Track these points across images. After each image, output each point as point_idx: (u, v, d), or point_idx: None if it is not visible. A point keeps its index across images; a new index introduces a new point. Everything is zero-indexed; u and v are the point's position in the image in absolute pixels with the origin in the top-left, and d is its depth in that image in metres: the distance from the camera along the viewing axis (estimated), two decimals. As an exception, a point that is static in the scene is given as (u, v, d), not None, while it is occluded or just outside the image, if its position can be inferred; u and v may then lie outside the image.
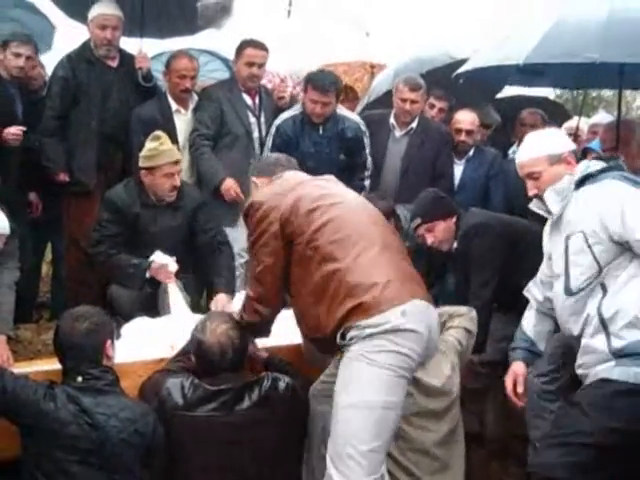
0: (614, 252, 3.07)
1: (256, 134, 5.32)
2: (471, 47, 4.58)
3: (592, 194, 3.17)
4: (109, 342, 3.09)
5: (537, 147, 3.35)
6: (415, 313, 2.85)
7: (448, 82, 5.25)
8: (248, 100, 5.37)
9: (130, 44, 5.66)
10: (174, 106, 5.30)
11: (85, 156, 5.23)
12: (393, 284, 2.86)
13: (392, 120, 5.47)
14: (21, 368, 3.37)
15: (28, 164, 5.14)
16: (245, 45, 5.33)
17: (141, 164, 4.49)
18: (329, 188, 3.19)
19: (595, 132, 5.85)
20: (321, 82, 5.05)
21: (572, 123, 6.29)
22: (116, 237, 4.51)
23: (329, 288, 2.88)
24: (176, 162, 4.51)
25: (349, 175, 5.15)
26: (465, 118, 5.44)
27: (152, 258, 4.30)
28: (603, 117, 6.51)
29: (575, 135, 5.79)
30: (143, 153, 4.49)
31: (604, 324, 3.06)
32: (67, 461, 2.87)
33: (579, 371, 3.19)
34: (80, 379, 2.97)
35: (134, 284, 4.45)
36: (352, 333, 2.81)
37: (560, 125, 5.87)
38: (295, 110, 5.22)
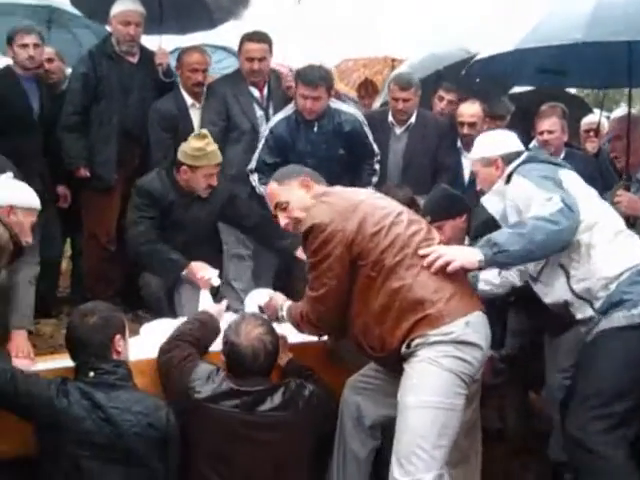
0: None
1: (264, 127, 5.25)
2: (488, 42, 4.52)
3: (509, 191, 3.46)
4: (118, 337, 3.10)
5: (474, 149, 3.75)
6: (477, 324, 3.00)
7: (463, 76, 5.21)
8: (255, 92, 5.32)
9: (149, 41, 5.70)
10: (189, 100, 5.30)
11: (106, 152, 5.24)
12: (456, 297, 2.99)
13: (390, 118, 5.46)
14: (42, 363, 3.40)
15: (53, 158, 5.17)
16: (244, 39, 5.28)
17: (184, 160, 4.55)
18: (384, 206, 3.22)
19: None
20: (310, 77, 4.94)
21: (593, 118, 6.22)
22: (153, 220, 4.58)
23: (394, 305, 2.99)
24: (218, 164, 4.62)
25: (356, 165, 5.14)
26: (466, 110, 5.41)
27: (201, 304, 4.20)
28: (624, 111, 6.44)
29: (596, 130, 5.75)
30: (187, 150, 4.54)
31: (582, 298, 3.30)
32: (82, 456, 2.89)
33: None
34: (92, 374, 3.00)
35: (167, 278, 4.54)
36: (418, 341, 2.94)
37: (580, 119, 5.78)
38: (288, 110, 5.10)
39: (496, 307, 3.75)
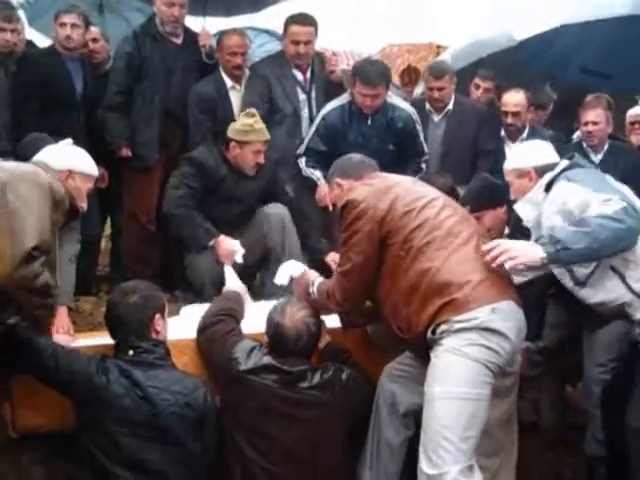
0: None
1: (306, 111, 5.26)
2: (535, 28, 4.46)
3: (553, 196, 3.42)
4: (158, 316, 3.14)
5: (508, 160, 3.75)
6: (505, 312, 2.94)
7: (506, 63, 5.17)
8: (299, 75, 5.30)
9: (193, 22, 5.71)
10: (229, 83, 5.29)
11: (148, 132, 5.25)
12: (485, 283, 2.95)
13: (428, 106, 5.44)
14: (81, 340, 3.44)
15: (94, 138, 5.18)
16: (290, 22, 5.25)
17: (233, 136, 4.64)
18: (420, 190, 3.27)
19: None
20: (369, 75, 4.89)
21: (639, 110, 6.10)
22: (194, 190, 4.63)
23: (421, 287, 2.98)
24: (265, 142, 4.68)
25: (403, 161, 5.10)
26: (510, 99, 5.34)
27: (227, 280, 4.28)
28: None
29: (640, 122, 5.65)
30: (237, 127, 4.64)
31: None
32: (120, 433, 2.93)
33: None
34: (131, 352, 3.04)
35: (194, 244, 4.57)
36: (443, 327, 2.91)
37: (625, 111, 5.69)
38: (343, 99, 5.07)
39: (535, 299, 3.72)
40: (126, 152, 5.24)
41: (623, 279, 3.27)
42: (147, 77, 5.23)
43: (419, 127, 5.17)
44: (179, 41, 5.35)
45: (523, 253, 2.98)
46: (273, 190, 4.91)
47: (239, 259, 4.42)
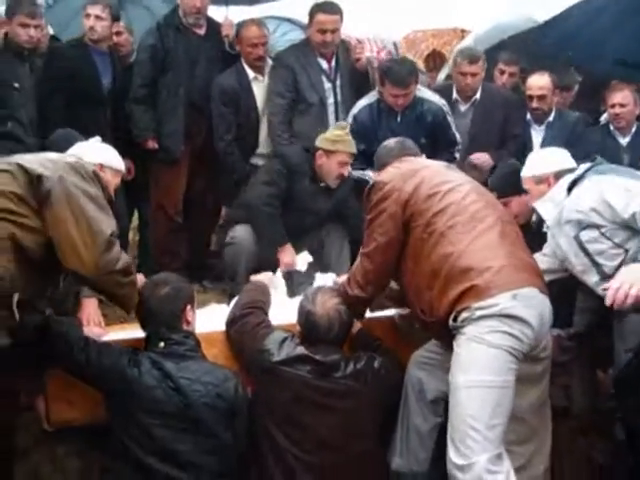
0: (625, 233, 3.26)
1: (331, 100, 5.27)
2: (556, 9, 4.38)
3: (581, 192, 3.42)
4: (188, 307, 3.16)
5: (526, 166, 3.77)
6: (527, 298, 2.91)
7: (530, 46, 5.11)
8: (324, 64, 5.30)
9: (216, 11, 5.71)
10: (251, 74, 5.30)
11: (173, 124, 5.27)
12: (507, 269, 2.92)
13: (455, 95, 5.38)
14: (113, 333, 3.46)
15: (120, 130, 5.21)
16: (316, 10, 5.25)
17: (321, 145, 4.70)
18: (448, 174, 3.27)
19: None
20: (400, 76, 4.89)
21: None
22: (281, 190, 4.71)
23: (442, 271, 2.96)
24: (352, 154, 4.73)
25: (437, 153, 5.06)
26: (535, 83, 5.29)
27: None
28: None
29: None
30: (326, 136, 4.70)
31: None
32: (152, 425, 2.94)
33: None
34: (162, 344, 3.06)
35: (268, 243, 4.68)
36: (464, 315, 2.89)
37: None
38: (372, 97, 5.09)
39: (564, 285, 3.70)
40: (152, 144, 5.27)
41: None
42: (171, 69, 5.25)
43: (450, 118, 5.15)
44: (202, 32, 5.36)
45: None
46: (345, 211, 4.95)
47: (303, 268, 4.54)
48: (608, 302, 2.91)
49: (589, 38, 4.15)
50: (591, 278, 3.42)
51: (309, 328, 3.25)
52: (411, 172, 3.19)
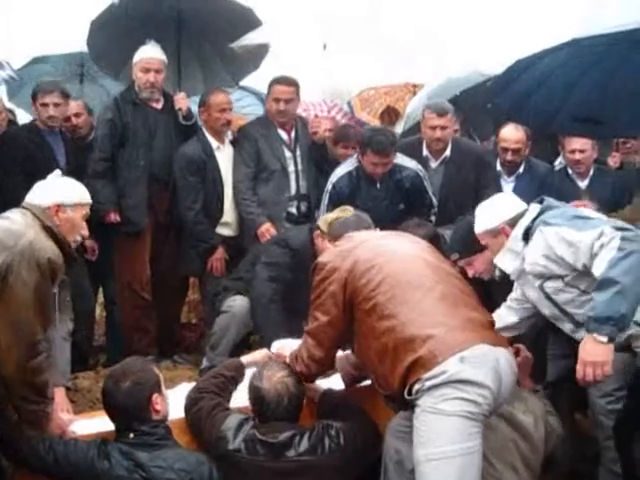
0: (589, 278, 3.13)
1: (292, 168, 5.38)
2: (502, 63, 4.43)
3: (534, 245, 3.33)
4: (155, 396, 3.07)
5: (476, 225, 3.63)
6: (476, 357, 2.84)
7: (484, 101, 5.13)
8: (284, 135, 5.45)
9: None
10: (214, 143, 5.36)
11: (136, 196, 5.28)
12: (450, 333, 2.86)
13: (425, 152, 5.37)
14: (82, 421, 3.37)
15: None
16: (273, 82, 5.45)
17: (320, 224, 4.40)
18: (385, 245, 3.24)
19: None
20: (383, 146, 4.92)
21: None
22: (287, 285, 4.57)
23: (389, 345, 2.92)
24: None
25: (413, 216, 5.03)
26: (511, 136, 5.21)
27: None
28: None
29: (617, 143, 5.63)
30: (327, 216, 4.42)
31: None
32: (124, 517, 2.86)
33: None
34: (132, 435, 2.98)
35: (258, 332, 4.67)
36: (416, 387, 2.85)
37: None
38: (350, 165, 5.12)
39: (532, 340, 3.74)
40: (114, 217, 5.23)
41: None
42: (130, 142, 5.27)
43: (427, 183, 5.16)
44: (160, 106, 5.42)
45: (600, 361, 2.91)
46: None
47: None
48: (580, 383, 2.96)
49: (543, 98, 4.20)
50: (565, 326, 3.39)
51: (258, 404, 3.18)
52: (349, 249, 3.19)
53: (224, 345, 4.64)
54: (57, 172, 3.57)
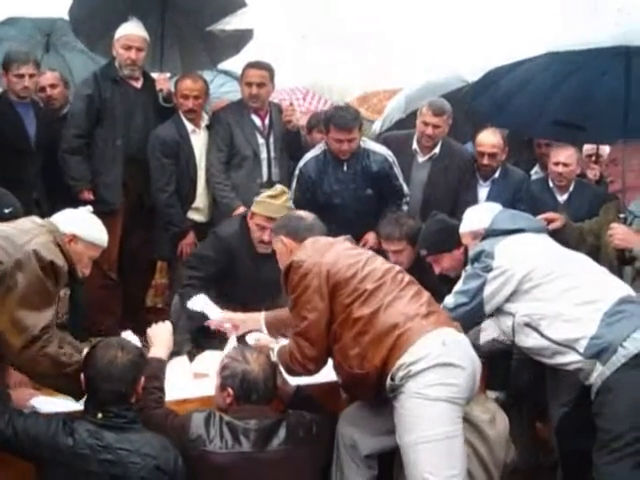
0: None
1: (264, 155, 5.32)
2: (482, 69, 4.45)
3: None
4: (143, 380, 3.04)
5: (462, 224, 4.00)
6: (454, 343, 3.06)
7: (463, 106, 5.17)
8: (257, 121, 5.38)
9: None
10: (189, 126, 5.31)
11: (111, 174, 5.22)
12: (426, 320, 3.07)
13: (415, 145, 5.39)
14: (42, 397, 3.33)
15: (51, 184, 5.12)
16: (246, 67, 5.38)
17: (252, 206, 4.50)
18: (359, 250, 3.45)
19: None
20: (344, 120, 4.92)
21: (593, 145, 6.04)
22: (214, 274, 4.53)
23: (375, 325, 3.05)
24: (269, 218, 4.33)
25: (383, 204, 5.11)
26: (488, 141, 5.22)
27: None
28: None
29: (596, 156, 5.66)
30: (258, 197, 4.48)
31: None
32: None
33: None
34: (100, 415, 2.92)
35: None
36: (400, 373, 2.98)
37: (581, 147, 5.68)
38: (318, 149, 5.12)
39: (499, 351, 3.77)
40: (88, 195, 5.15)
41: (541, 334, 3.38)
42: (107, 120, 5.21)
43: (397, 169, 5.15)
44: (139, 85, 5.36)
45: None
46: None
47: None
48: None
49: (524, 103, 4.23)
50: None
51: (246, 387, 3.14)
52: (327, 245, 3.28)
53: (180, 328, 4.43)
54: (89, 208, 3.60)
